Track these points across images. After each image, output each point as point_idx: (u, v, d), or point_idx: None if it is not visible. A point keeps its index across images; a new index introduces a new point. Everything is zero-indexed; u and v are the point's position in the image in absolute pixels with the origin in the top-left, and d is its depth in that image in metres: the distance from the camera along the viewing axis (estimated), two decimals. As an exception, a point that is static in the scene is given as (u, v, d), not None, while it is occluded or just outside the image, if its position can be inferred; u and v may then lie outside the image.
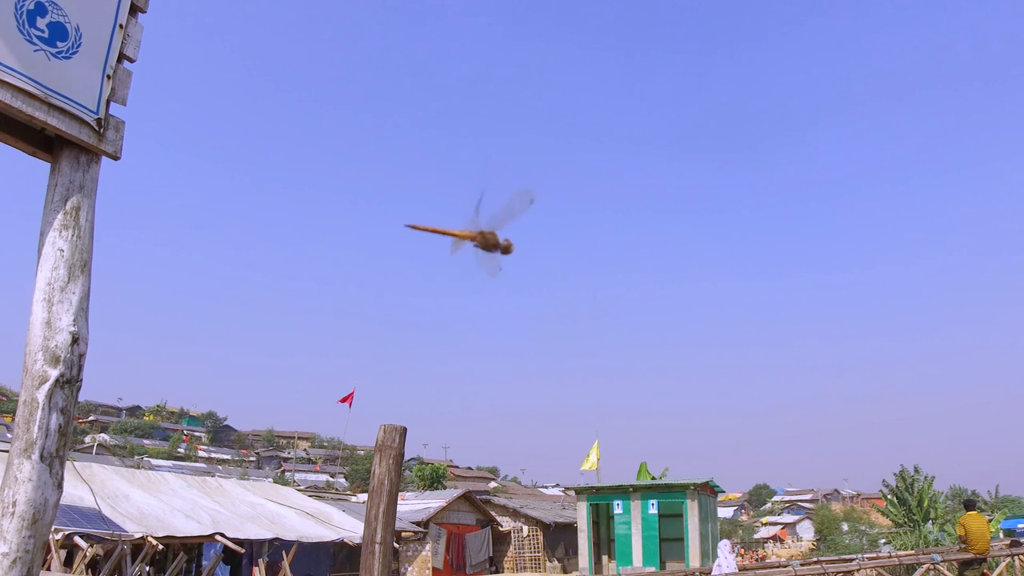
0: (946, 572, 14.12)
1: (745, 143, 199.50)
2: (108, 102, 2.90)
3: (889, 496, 28.61)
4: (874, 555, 18.16)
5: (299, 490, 26.42)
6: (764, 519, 77.84)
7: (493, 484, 71.43)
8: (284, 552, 16.47)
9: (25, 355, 2.56)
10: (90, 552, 12.16)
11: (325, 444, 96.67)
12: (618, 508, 21.06)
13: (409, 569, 25.18)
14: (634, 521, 20.64)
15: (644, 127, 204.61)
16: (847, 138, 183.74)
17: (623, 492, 21.16)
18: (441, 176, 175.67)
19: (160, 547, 13.90)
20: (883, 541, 32.51)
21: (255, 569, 16.20)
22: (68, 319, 2.61)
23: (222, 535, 15.32)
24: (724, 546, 16.75)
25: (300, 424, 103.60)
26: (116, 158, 2.95)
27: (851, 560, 15.73)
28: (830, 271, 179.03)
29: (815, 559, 20.25)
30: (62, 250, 2.65)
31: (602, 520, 22.93)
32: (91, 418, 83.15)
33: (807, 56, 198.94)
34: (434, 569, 25.65)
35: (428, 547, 25.57)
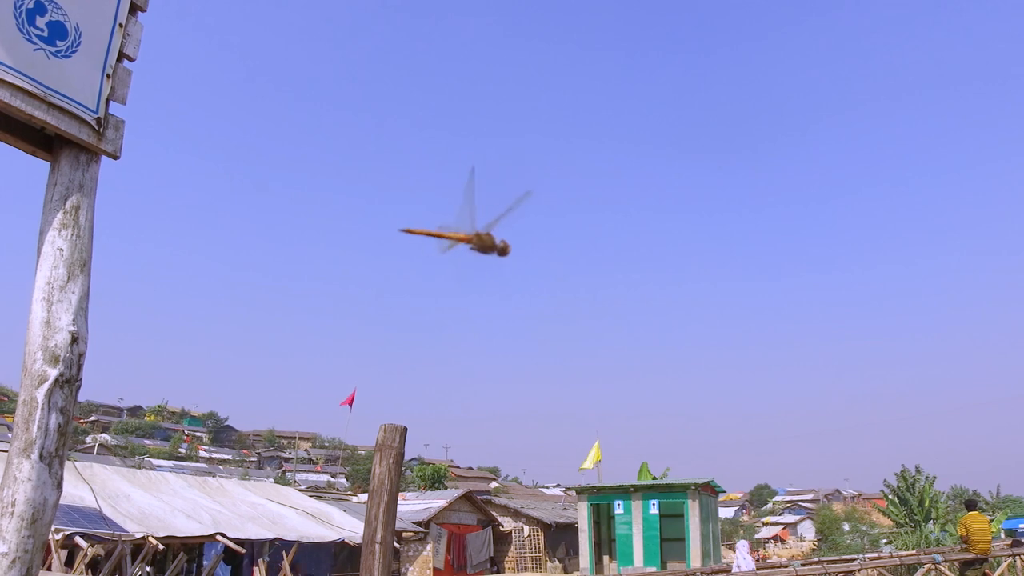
0: (947, 572, 14.10)
1: (745, 143, 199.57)
2: (108, 101, 2.90)
3: (890, 496, 28.59)
4: (875, 555, 18.14)
5: (300, 490, 26.43)
6: (765, 519, 77.78)
7: (494, 484, 71.44)
8: (284, 552, 16.47)
9: (24, 354, 2.56)
10: (91, 552, 12.16)
11: (326, 444, 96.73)
12: (619, 508, 21.05)
13: (410, 569, 25.18)
14: (635, 521, 20.62)
15: (644, 127, 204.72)
16: (847, 138, 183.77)
17: (624, 492, 21.14)
18: (441, 176, 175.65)
19: (161, 547, 13.90)
20: (884, 541, 32.49)
21: (255, 569, 16.20)
22: (67, 318, 2.60)
23: (223, 535, 15.32)
24: (743, 546, 17.05)
25: (301, 424, 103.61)
26: (116, 157, 2.95)
27: (852, 560, 15.72)
28: (830, 271, 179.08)
29: (816, 559, 20.24)
30: (61, 249, 2.65)
31: (603, 520, 22.92)
32: (92, 418, 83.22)
33: (807, 56, 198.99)
34: (435, 569, 25.65)
35: (429, 547, 25.57)
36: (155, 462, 58.24)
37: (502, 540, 30.87)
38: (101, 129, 2.85)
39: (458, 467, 74.98)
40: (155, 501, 16.58)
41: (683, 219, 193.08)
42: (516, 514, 31.50)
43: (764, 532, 67.05)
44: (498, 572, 29.45)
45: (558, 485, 78.12)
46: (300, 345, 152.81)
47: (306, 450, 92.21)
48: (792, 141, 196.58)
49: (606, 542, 22.91)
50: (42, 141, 2.78)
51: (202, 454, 79.26)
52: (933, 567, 14.03)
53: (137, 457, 60.26)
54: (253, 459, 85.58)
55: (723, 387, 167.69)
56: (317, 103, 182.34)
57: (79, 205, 2.74)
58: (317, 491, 30.39)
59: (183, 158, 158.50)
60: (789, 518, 77.14)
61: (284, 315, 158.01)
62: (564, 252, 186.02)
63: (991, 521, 22.66)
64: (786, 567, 15.94)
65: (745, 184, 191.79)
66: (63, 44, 2.72)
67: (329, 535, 18.69)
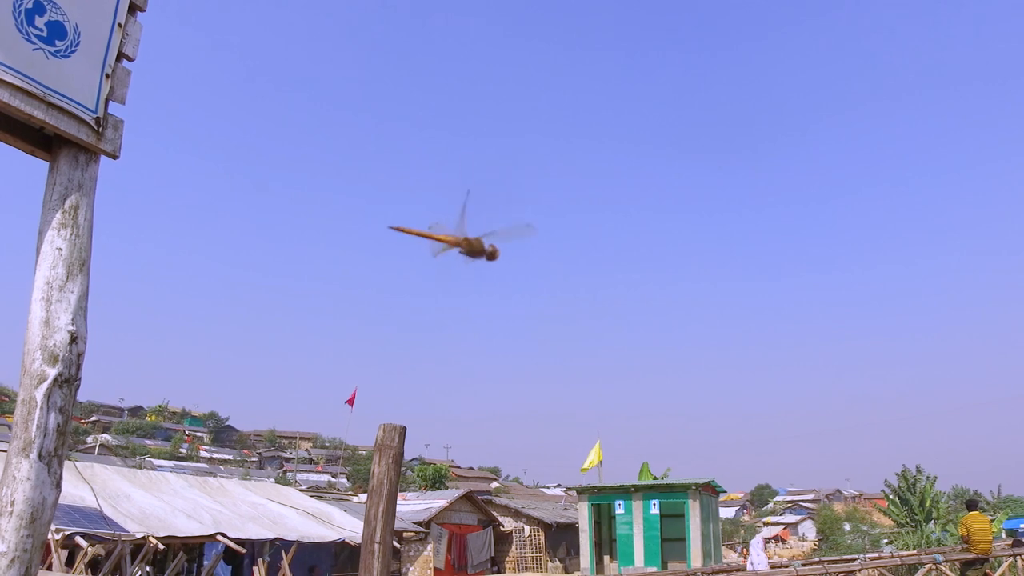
0: (948, 572, 14.09)
1: (745, 143, 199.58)
2: (107, 101, 2.90)
3: (891, 496, 28.59)
4: (876, 555, 18.13)
5: (301, 490, 26.42)
6: (766, 519, 77.73)
7: (495, 484, 71.45)
8: (283, 552, 16.48)
9: (24, 354, 2.56)
10: (91, 552, 12.16)
11: (327, 444, 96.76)
12: (620, 508, 21.04)
13: (411, 569, 25.18)
14: (636, 521, 20.61)
15: (644, 127, 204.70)
16: (847, 138, 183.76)
17: (625, 492, 21.13)
18: (441, 176, 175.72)
19: (161, 547, 13.91)
20: (885, 541, 32.46)
21: (255, 569, 16.20)
22: (67, 318, 2.60)
23: (223, 535, 15.32)
24: (756, 543, 17.04)
25: (302, 424, 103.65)
26: (115, 157, 2.95)
27: (853, 560, 15.71)
28: (830, 271, 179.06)
29: (817, 559, 20.23)
30: (61, 249, 2.65)
31: (604, 520, 22.91)
32: (93, 418, 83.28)
33: (807, 56, 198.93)
34: (435, 569, 25.65)
35: (430, 547, 25.57)
36: (156, 462, 58.26)
37: (503, 540, 30.87)
38: (100, 129, 2.85)
39: (459, 467, 75.00)
40: (156, 501, 16.58)
41: (683, 219, 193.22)
42: (517, 514, 31.50)
43: (765, 532, 67.01)
44: (499, 572, 29.45)
45: (559, 485, 78.16)
46: (301, 345, 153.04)
47: (307, 450, 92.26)
48: (792, 141, 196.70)
49: (607, 542, 22.90)
50: (41, 141, 2.78)
51: (203, 454, 79.28)
52: (934, 567, 14.02)
53: (138, 457, 60.29)
54: (254, 459, 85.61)
55: (724, 387, 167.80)
56: (317, 103, 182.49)
57: (78, 205, 2.74)
58: (318, 491, 30.39)
59: (183, 158, 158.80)
60: (790, 518, 77.11)
61: (284, 315, 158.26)
62: (564, 252, 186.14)
63: (992, 521, 22.65)
64: (787, 567, 15.94)
65: (745, 184, 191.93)
66: (62, 44, 2.72)
67: (330, 535, 18.69)
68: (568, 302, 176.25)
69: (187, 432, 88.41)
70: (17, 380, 2.64)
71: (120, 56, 2.96)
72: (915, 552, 17.49)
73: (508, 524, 31.13)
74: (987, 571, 13.86)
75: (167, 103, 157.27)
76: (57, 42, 2.70)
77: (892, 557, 16.75)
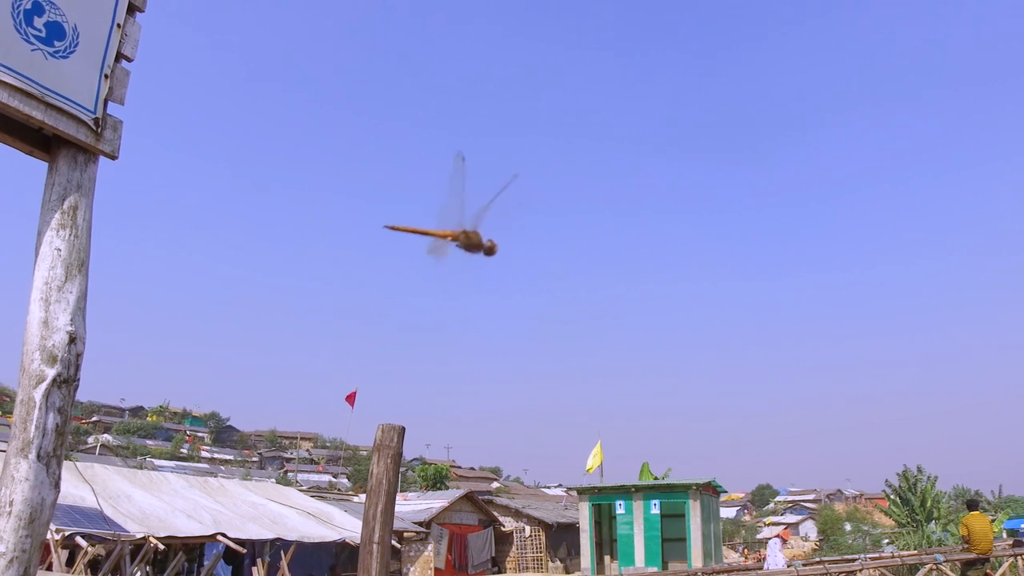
0: (949, 572, 14.08)
1: (745, 143, 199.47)
2: (106, 102, 2.90)
3: (892, 496, 28.59)
4: (877, 555, 18.13)
5: (301, 490, 26.42)
6: (767, 519, 77.69)
7: (495, 484, 71.50)
8: (282, 552, 16.48)
9: (22, 355, 2.56)
10: (91, 552, 12.17)
11: (328, 444, 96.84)
12: (620, 508, 21.03)
13: (411, 569, 25.18)
14: (636, 521, 20.61)
15: (644, 127, 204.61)
16: (847, 138, 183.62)
17: (625, 492, 21.13)
18: (441, 176, 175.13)
19: (161, 547, 13.92)
20: (886, 541, 32.48)
21: (254, 570, 16.20)
22: (65, 318, 2.61)
23: (224, 535, 15.33)
24: (775, 544, 17.42)
25: (303, 424, 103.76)
26: (114, 158, 2.95)
27: (854, 560, 15.71)
28: (830, 271, 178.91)
29: (818, 559, 20.23)
30: (59, 249, 2.65)
31: (604, 520, 22.91)
32: (94, 419, 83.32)
33: (807, 56, 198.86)
34: (436, 569, 25.65)
35: (430, 547, 25.57)
36: (157, 462, 58.32)
37: (503, 540, 30.87)
38: (99, 129, 2.85)
39: (460, 467, 75.06)
40: (156, 501, 16.59)
41: (683, 219, 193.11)
42: (517, 514, 31.50)
43: (766, 532, 67.00)
44: (499, 572, 29.45)
45: (559, 485, 78.18)
46: (301, 345, 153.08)
47: (308, 450, 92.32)
48: (792, 141, 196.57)
49: (607, 542, 22.91)
50: (40, 141, 2.78)
51: (204, 454, 79.36)
52: (935, 567, 14.01)
53: (139, 457, 60.36)
54: (255, 459, 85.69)
55: (724, 387, 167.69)
56: (317, 103, 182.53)
57: (77, 205, 2.74)
58: (319, 491, 30.38)
59: (183, 158, 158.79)
60: (791, 518, 76.98)
61: (285, 315, 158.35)
62: (564, 252, 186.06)
63: (993, 521, 22.65)
64: (788, 567, 15.96)
65: (745, 184, 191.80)
66: (61, 45, 2.72)
67: (330, 535, 18.70)
68: (568, 302, 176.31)
69: (188, 432, 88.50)
70: (17, 380, 2.64)
71: (119, 57, 2.96)
72: (916, 552, 17.49)
73: (509, 524, 31.13)
74: (988, 571, 13.85)
75: (167, 103, 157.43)
76: (56, 43, 2.70)
77: (893, 557, 16.75)
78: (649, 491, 20.98)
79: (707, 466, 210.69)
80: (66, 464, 15.76)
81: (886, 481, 29.44)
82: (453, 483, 45.83)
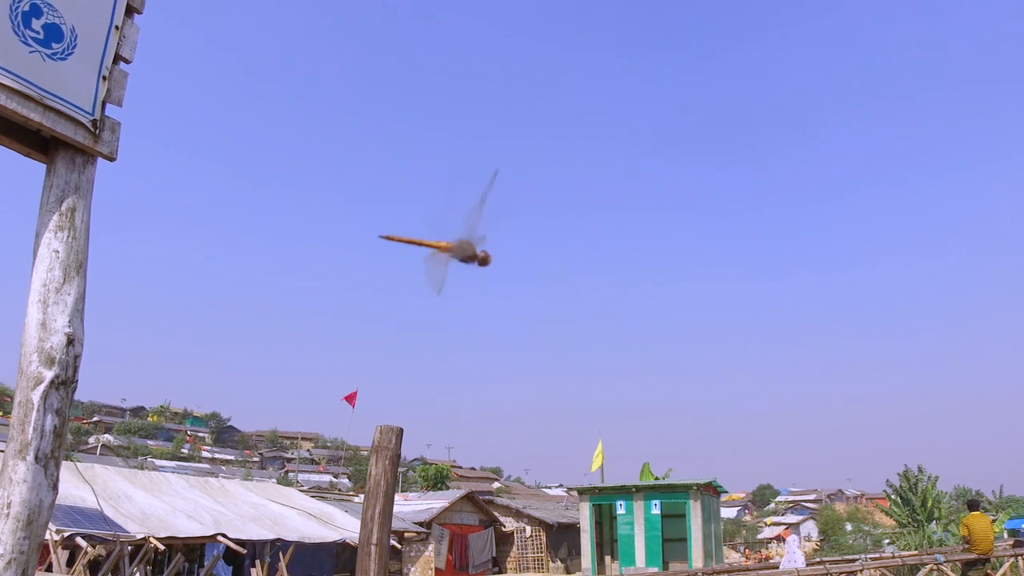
0: (949, 572, 14.07)
1: (745, 143, 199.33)
2: (104, 103, 2.89)
3: (893, 496, 28.57)
4: (878, 555, 18.14)
5: (302, 491, 26.42)
6: (768, 519, 77.68)
7: (496, 484, 71.52)
8: (281, 553, 16.48)
9: (20, 356, 2.56)
10: (91, 552, 12.17)
11: (328, 445, 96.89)
12: (621, 508, 21.04)
13: (412, 569, 25.19)
14: (637, 521, 20.61)
15: (644, 127, 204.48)
16: (847, 138, 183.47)
17: (626, 492, 21.14)
18: (441, 176, 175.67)
19: (161, 548, 13.92)
20: (887, 541, 32.45)
21: (254, 571, 16.20)
22: (63, 320, 2.60)
23: (224, 536, 15.33)
24: (793, 541, 17.62)
25: (304, 425, 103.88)
26: (112, 159, 2.95)
27: (854, 560, 15.71)
28: (830, 271, 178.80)
29: (818, 559, 20.22)
30: (57, 251, 2.65)
31: (605, 520, 22.92)
32: (95, 419, 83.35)
33: (807, 56, 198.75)
34: (437, 569, 25.65)
35: (431, 547, 25.57)
36: (158, 463, 58.37)
37: (504, 540, 30.88)
38: (97, 131, 2.85)
39: (460, 467, 75.11)
40: (156, 502, 16.59)
41: (683, 219, 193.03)
42: (518, 514, 31.50)
43: (767, 532, 66.99)
44: (500, 572, 29.46)
45: (560, 485, 78.26)
46: (302, 345, 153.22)
47: (308, 450, 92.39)
48: (792, 141, 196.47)
49: (608, 542, 22.92)
50: (38, 143, 2.78)
51: (205, 455, 79.40)
52: (935, 567, 14.00)
53: (140, 458, 60.39)
54: (256, 459, 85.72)
55: (725, 387, 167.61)
56: (317, 103, 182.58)
57: (75, 207, 2.74)
58: (319, 491, 30.38)
59: (183, 158, 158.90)
60: (792, 518, 76.93)
61: (285, 315, 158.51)
62: (564, 252, 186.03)
63: (994, 521, 22.64)
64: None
65: (745, 184, 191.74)
66: (59, 47, 2.72)
67: (331, 535, 18.70)
68: (568, 302, 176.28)
69: (189, 432, 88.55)
70: (16, 381, 2.64)
71: (117, 58, 2.96)
72: (917, 552, 17.50)
73: (509, 524, 31.14)
74: (988, 571, 13.84)
75: (167, 103, 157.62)
76: (54, 45, 2.70)
77: (894, 557, 16.75)
78: (650, 491, 21.00)
79: (708, 466, 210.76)
80: (66, 464, 15.78)
81: (887, 481, 29.45)
82: (454, 483, 45.89)
